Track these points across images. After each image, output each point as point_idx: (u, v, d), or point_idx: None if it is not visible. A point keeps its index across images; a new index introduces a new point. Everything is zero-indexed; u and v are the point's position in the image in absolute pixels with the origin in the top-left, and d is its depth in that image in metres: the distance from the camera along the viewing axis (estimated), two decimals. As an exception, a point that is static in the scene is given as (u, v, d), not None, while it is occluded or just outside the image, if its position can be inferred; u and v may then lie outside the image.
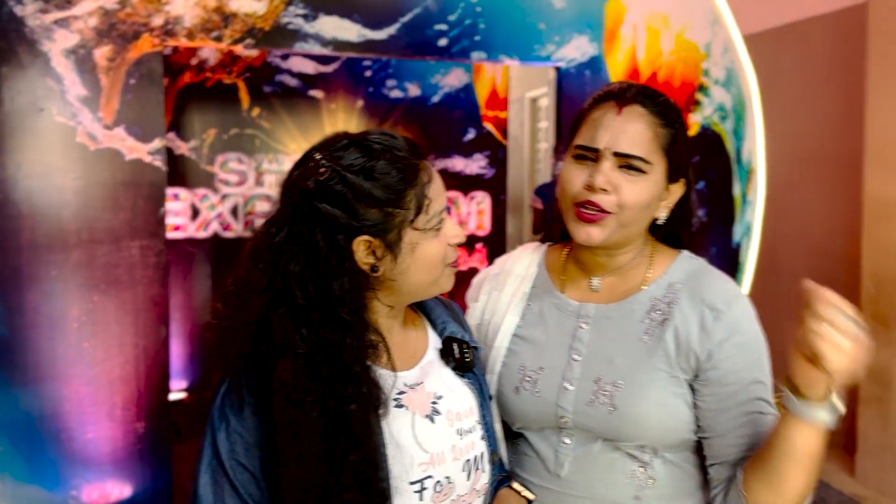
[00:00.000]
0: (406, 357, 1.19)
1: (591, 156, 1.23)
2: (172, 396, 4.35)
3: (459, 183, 4.86)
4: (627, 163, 1.21)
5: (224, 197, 4.48)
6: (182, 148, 4.38)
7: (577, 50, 3.32)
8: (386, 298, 1.15)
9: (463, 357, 1.22)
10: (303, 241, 1.07)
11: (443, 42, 3.11)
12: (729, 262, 3.65)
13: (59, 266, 2.71)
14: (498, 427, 1.33)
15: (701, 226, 3.56)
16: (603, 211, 1.21)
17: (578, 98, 3.33)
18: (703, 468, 1.29)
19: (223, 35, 2.85)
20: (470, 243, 4.85)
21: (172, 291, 4.39)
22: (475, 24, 3.14)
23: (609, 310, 1.28)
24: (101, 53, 2.70)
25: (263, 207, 4.57)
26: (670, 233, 1.34)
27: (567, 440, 1.25)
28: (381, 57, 3.84)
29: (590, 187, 1.21)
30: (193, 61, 4.36)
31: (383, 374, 1.12)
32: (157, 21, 2.76)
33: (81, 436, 2.78)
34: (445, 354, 1.23)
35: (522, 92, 6.29)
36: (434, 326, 1.28)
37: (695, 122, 3.52)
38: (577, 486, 1.24)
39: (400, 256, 1.10)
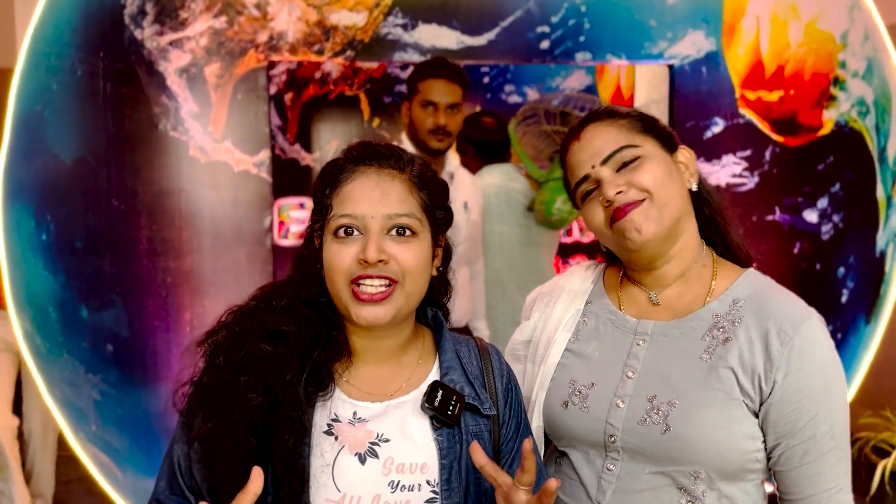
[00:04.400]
0: (377, 388, 1.12)
1: (591, 186, 1.26)
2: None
3: (581, 189, 4.71)
4: (619, 160, 1.22)
5: (303, 205, 4.61)
6: (307, 159, 4.55)
7: (692, 46, 3.12)
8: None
9: (445, 408, 1.10)
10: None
11: (545, 44, 3.03)
12: (872, 272, 3.29)
13: (174, 273, 2.88)
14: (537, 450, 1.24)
15: (836, 232, 3.24)
16: (634, 200, 1.20)
17: (693, 97, 3.14)
18: None
19: (324, 48, 2.92)
20: (577, 251, 4.69)
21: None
22: (579, 24, 3.03)
23: (668, 327, 1.21)
24: (211, 71, 2.85)
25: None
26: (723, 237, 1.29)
27: (612, 466, 1.17)
28: (481, 63, 3.80)
29: (611, 201, 1.22)
30: (317, 75, 4.52)
31: (338, 398, 1.08)
32: (263, 37, 2.87)
33: (194, 434, 2.94)
34: (426, 399, 1.12)
35: (649, 92, 6.02)
36: (441, 368, 1.18)
37: (829, 118, 3.21)
38: None
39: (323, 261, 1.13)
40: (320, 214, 1.13)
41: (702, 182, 1.26)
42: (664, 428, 1.12)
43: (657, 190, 1.17)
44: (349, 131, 4.59)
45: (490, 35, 2.99)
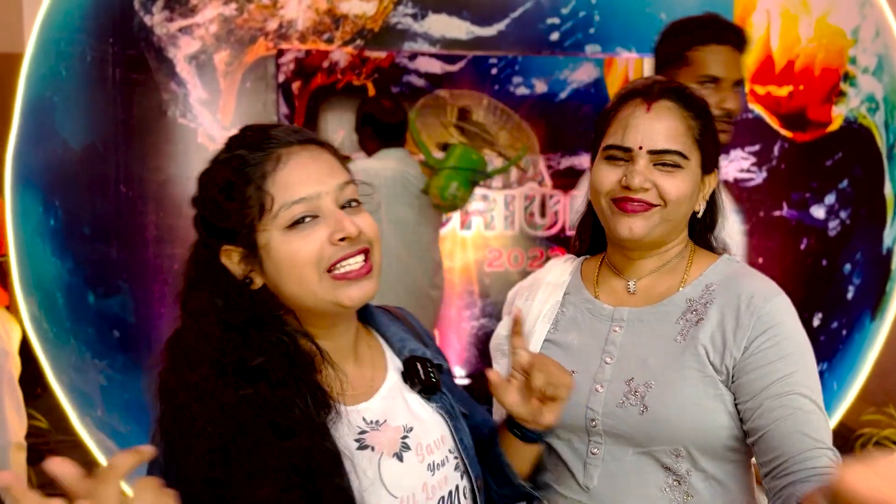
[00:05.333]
0: (362, 387, 1.06)
1: (623, 156, 1.20)
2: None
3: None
4: (661, 159, 1.18)
5: (353, 195, 4.60)
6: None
7: (702, 39, 3.11)
8: (297, 319, 1.03)
9: (429, 377, 1.08)
10: (195, 260, 1.05)
11: (554, 36, 3.02)
12: (879, 269, 3.29)
13: (181, 260, 2.88)
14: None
15: (843, 228, 3.23)
16: (647, 203, 1.18)
17: (703, 91, 3.13)
18: (752, 491, 1.20)
19: (334, 37, 2.91)
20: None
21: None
22: (590, 16, 3.02)
23: (643, 313, 1.24)
24: (220, 58, 2.85)
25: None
26: (708, 234, 1.31)
27: (596, 450, 1.20)
28: (489, 54, 3.79)
29: (627, 188, 1.19)
30: (325, 64, 4.51)
31: (343, 410, 0.99)
32: (272, 25, 2.87)
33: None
34: (409, 377, 1.09)
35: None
36: (391, 346, 1.14)
37: (838, 114, 3.20)
38: (607, 500, 1.18)
39: (264, 263, 0.99)
40: (243, 220, 0.98)
41: (714, 198, 1.28)
42: (642, 409, 1.14)
43: (672, 206, 1.18)
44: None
45: (500, 26, 2.99)
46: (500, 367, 1.34)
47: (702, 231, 1.30)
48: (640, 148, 1.17)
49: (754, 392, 1.11)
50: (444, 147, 3.52)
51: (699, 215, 1.25)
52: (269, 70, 2.88)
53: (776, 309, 1.14)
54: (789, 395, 1.09)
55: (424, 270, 3.44)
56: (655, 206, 1.18)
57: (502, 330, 1.39)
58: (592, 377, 1.21)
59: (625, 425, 1.17)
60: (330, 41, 2.90)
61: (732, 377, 1.13)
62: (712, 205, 1.28)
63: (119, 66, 2.78)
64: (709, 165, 1.23)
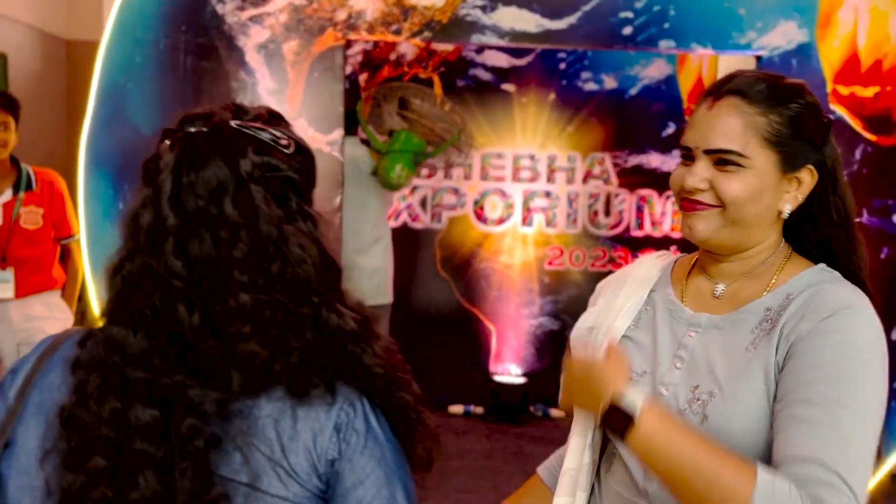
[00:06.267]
0: None
1: (688, 155, 1.18)
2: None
3: (654, 180, 4.60)
4: (721, 157, 1.14)
5: (414, 189, 4.59)
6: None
7: (782, 37, 2.98)
8: None
9: None
10: None
11: (627, 31, 2.94)
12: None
13: (244, 247, 2.91)
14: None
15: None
16: (704, 203, 1.15)
17: (781, 90, 3.00)
18: None
19: (402, 28, 2.89)
20: (665, 245, 4.58)
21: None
22: (664, 10, 2.93)
23: (722, 320, 1.19)
24: (289, 48, 2.86)
25: (450, 200, 4.63)
26: (806, 238, 1.21)
27: None
28: (558, 48, 3.72)
29: (685, 189, 1.17)
30: (392, 56, 4.51)
31: None
32: (341, 16, 2.86)
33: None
34: None
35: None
36: None
37: (928, 117, 3.03)
38: None
39: None
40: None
41: (821, 200, 1.17)
42: (702, 417, 1.10)
43: (733, 207, 1.13)
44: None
45: (571, 19, 2.92)
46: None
47: (803, 235, 1.21)
48: (697, 147, 1.15)
49: (784, 389, 1.04)
50: (390, 133, 3.94)
51: (784, 215, 1.16)
52: (336, 61, 2.87)
53: (846, 320, 1.05)
54: (824, 403, 0.99)
55: (376, 243, 3.83)
56: (714, 206, 1.14)
57: (583, 321, 1.36)
58: (660, 380, 1.18)
59: None
60: (398, 33, 2.88)
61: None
62: (814, 206, 1.17)
63: (190, 54, 2.81)
64: (794, 163, 1.14)
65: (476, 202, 4.63)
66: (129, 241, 0.84)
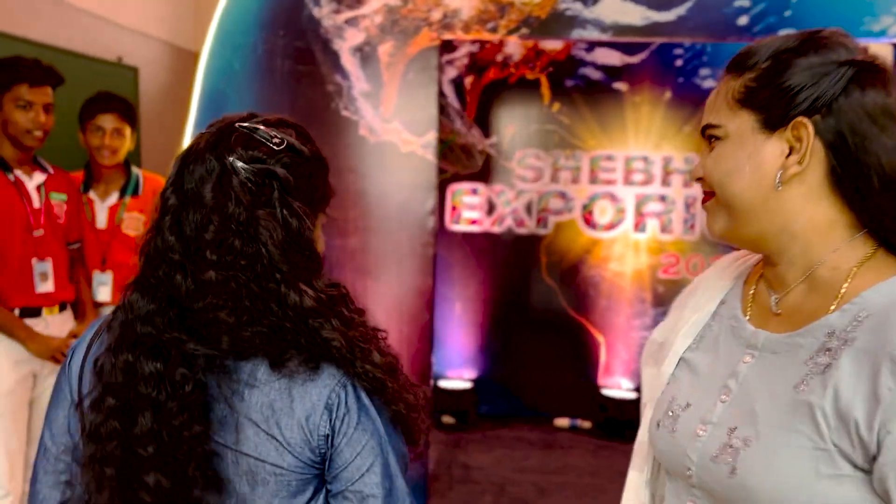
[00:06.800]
0: None
1: None
2: (457, 385, 4.49)
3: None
4: (707, 136, 1.00)
5: (519, 193, 4.47)
6: (483, 143, 4.46)
7: (925, 21, 2.66)
8: None
9: None
10: None
11: (742, 20, 2.71)
12: None
13: (339, 250, 2.89)
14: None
15: None
16: (706, 193, 1.01)
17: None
18: None
19: (498, 26, 2.79)
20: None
21: (466, 284, 4.51)
22: (786, -4, 2.68)
23: (779, 342, 0.94)
24: (384, 50, 2.82)
25: (557, 205, 4.47)
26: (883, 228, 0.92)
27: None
28: (673, 41, 3.49)
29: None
30: (499, 57, 4.41)
31: None
32: (436, 15, 2.79)
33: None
34: None
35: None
36: None
37: None
38: None
39: None
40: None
41: (852, 163, 0.90)
42: (730, 470, 0.90)
43: (717, 188, 0.97)
44: (528, 116, 4.44)
45: (680, 10, 2.72)
46: (646, 378, 1.14)
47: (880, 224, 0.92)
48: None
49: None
50: None
51: (777, 182, 0.92)
52: (431, 62, 2.81)
53: None
54: None
55: None
56: (712, 194, 0.99)
57: (655, 334, 1.17)
58: (701, 416, 0.98)
59: (715, 483, 0.93)
60: (494, 30, 2.78)
61: (870, 461, 0.82)
62: (851, 172, 0.89)
63: (287, 58, 2.83)
64: (781, 119, 0.91)
65: (585, 206, 4.45)
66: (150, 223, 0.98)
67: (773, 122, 0.92)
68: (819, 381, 0.86)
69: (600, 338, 4.53)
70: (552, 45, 4.30)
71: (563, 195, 4.46)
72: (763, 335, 0.97)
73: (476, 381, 4.57)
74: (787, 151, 0.92)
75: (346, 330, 0.95)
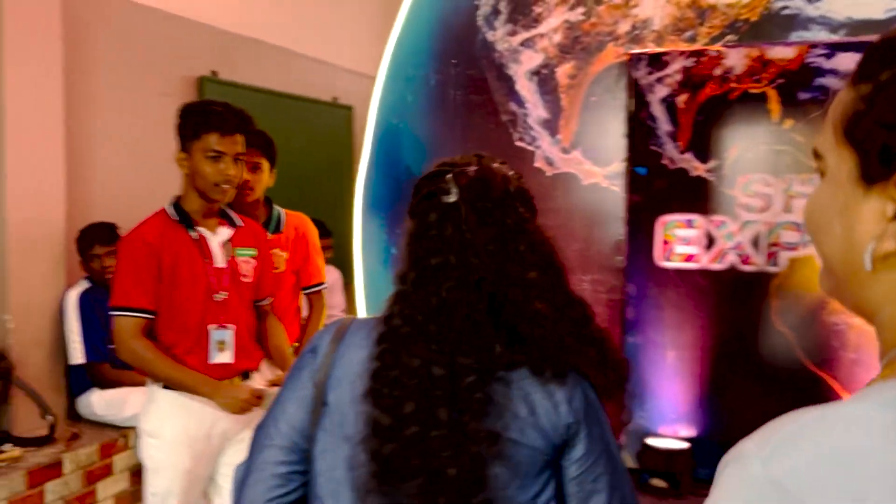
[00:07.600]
0: None
1: None
2: (670, 444, 3.97)
3: None
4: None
5: (744, 224, 3.89)
6: (699, 169, 3.95)
7: None
8: None
9: None
10: None
11: None
12: None
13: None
14: None
15: None
16: None
17: None
18: None
19: (697, 34, 2.38)
20: None
21: (680, 329, 4.01)
22: None
23: None
24: (563, 71, 2.52)
25: (791, 238, 3.82)
26: None
27: None
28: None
29: None
30: (717, 71, 3.89)
31: None
32: (623, 28, 2.44)
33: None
34: None
35: None
36: None
37: None
38: None
39: None
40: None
41: None
42: None
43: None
44: (753, 135, 3.86)
45: (938, -6, 2.13)
46: None
47: None
48: None
49: None
50: None
51: (867, 256, 0.62)
52: (618, 81, 2.46)
53: None
54: None
55: None
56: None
57: None
58: None
59: None
60: (692, 40, 2.37)
61: None
62: None
63: (459, 88, 2.63)
64: (870, 170, 0.61)
65: (826, 240, 3.77)
66: (421, 250, 1.09)
67: (870, 172, 0.60)
68: None
69: (846, 397, 3.79)
70: (782, 52, 3.71)
71: (798, 226, 3.81)
72: None
73: (693, 441, 4.02)
74: (890, 214, 0.61)
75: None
